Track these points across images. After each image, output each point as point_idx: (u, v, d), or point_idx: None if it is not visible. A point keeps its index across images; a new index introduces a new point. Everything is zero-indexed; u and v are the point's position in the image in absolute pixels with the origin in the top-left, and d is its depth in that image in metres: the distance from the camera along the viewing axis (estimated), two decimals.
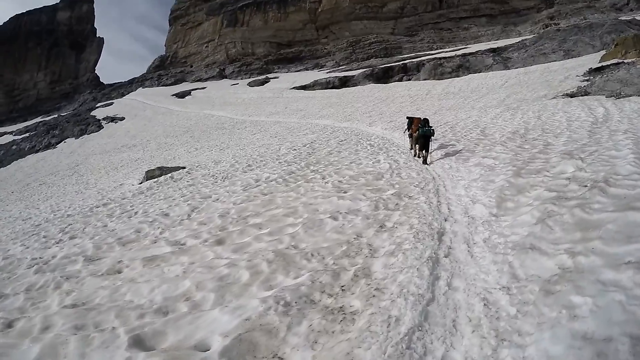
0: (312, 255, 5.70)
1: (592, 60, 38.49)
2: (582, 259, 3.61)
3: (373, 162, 12.97)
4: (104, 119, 70.85)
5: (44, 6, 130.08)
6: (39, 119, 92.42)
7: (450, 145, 13.63)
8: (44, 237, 11.09)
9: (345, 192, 9.20)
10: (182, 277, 5.49)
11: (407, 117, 16.65)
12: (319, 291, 4.58)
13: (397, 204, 7.59)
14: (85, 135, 63.65)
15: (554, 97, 25.14)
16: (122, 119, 69.19)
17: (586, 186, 5.70)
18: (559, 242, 4.15)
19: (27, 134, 75.42)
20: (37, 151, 61.54)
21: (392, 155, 13.90)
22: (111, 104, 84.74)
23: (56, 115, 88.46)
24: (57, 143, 63.18)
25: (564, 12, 73.54)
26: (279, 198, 9.85)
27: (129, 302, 4.99)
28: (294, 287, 4.73)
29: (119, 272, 6.28)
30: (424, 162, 11.84)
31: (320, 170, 12.92)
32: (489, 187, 7.25)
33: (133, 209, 13.43)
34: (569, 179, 6.36)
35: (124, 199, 17.48)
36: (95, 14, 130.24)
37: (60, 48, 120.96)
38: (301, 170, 13.75)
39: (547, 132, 13.19)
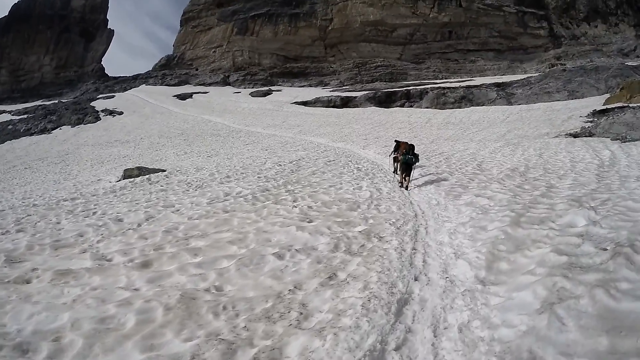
0: (225, 308, 4.34)
1: (597, 102, 38.20)
2: None
3: (354, 189, 11.82)
4: (102, 111, 69.86)
5: None
6: (39, 102, 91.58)
7: (442, 177, 12.32)
8: None
9: (309, 222, 7.89)
10: (69, 306, 4.61)
11: (395, 141, 16.27)
12: None
13: (362, 245, 6.19)
14: (82, 125, 62.53)
15: (556, 136, 24.29)
16: (121, 113, 68.31)
17: (606, 250, 4.31)
18: (574, 352, 2.68)
19: (25, 116, 74.57)
20: (31, 134, 60.48)
21: (376, 183, 12.65)
22: (112, 97, 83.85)
23: (56, 101, 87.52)
24: (53, 129, 62.06)
25: (570, 53, 73.33)
26: (237, 219, 8.92)
27: (0, 327, 4.21)
28: None
29: (27, 282, 5.60)
30: (404, 187, 11.67)
31: (295, 191, 12.07)
32: (479, 237, 5.85)
33: (94, 209, 13.24)
34: (582, 235, 4.95)
35: (93, 195, 17.41)
36: (109, 5, 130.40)
37: (70, 34, 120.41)
38: (276, 188, 13.01)
39: (550, 172, 12.09)
